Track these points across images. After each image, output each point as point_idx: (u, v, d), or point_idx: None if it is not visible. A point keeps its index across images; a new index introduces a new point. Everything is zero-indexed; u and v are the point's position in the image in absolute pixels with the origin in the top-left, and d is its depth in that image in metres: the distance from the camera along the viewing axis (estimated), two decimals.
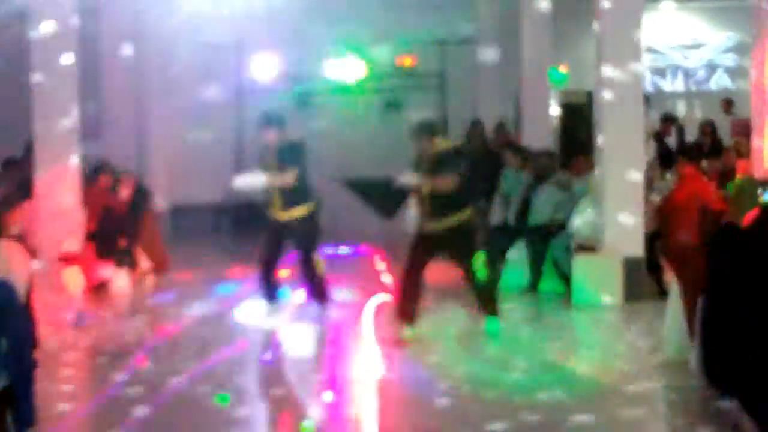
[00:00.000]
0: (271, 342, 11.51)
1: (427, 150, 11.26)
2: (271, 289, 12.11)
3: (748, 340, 7.41)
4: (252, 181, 12.01)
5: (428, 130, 11.47)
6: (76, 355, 11.09)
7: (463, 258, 11.14)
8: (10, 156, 17.27)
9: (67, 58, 13.27)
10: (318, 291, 12.05)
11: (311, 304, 12.12)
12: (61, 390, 9.29)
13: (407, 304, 11.16)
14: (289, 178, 11.78)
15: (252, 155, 22.34)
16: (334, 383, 9.57)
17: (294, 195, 11.89)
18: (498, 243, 14.19)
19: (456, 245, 11.16)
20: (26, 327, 6.93)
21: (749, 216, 8.19)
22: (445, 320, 12.25)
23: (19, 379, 6.65)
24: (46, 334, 10.95)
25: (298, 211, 11.91)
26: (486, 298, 11.27)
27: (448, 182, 11.02)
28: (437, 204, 11.08)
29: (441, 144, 11.43)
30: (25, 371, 6.72)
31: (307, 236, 12.01)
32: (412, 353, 10.66)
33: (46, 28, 13.23)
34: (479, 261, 11.10)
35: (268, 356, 10.92)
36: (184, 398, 8.99)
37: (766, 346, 7.33)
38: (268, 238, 12.03)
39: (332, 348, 11.08)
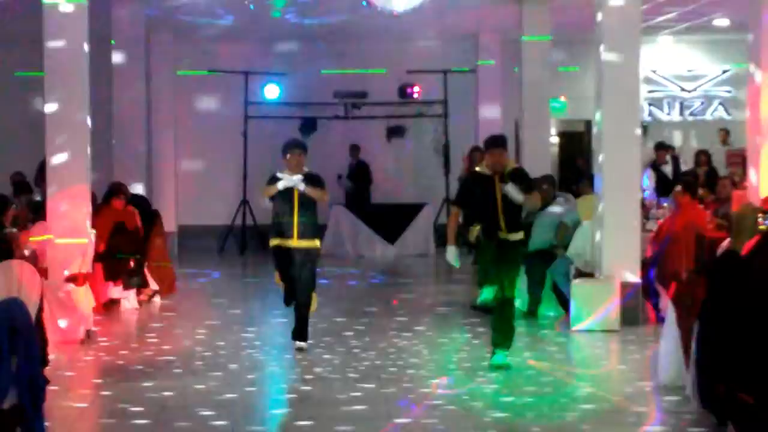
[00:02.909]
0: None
1: (503, 164, 11.09)
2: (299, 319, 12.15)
3: (744, 366, 7.54)
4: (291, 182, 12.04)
5: (503, 144, 11.27)
6: (86, 373, 11.27)
7: (513, 274, 11.05)
8: (21, 177, 17.54)
9: (80, 82, 13.45)
10: (303, 327, 12.09)
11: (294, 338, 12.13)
12: (70, 408, 9.40)
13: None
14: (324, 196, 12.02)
15: (256, 177, 22.77)
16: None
17: (311, 226, 12.07)
18: None
19: (515, 259, 11.12)
20: (37, 345, 7.04)
21: (749, 244, 8.33)
22: (445, 343, 12.47)
23: (29, 397, 6.75)
24: (57, 352, 11.17)
25: (313, 243, 12.07)
26: (507, 326, 11.06)
27: (536, 198, 11.22)
28: (509, 217, 10.97)
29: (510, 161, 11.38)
30: (36, 389, 6.81)
31: (313, 270, 12.14)
32: (408, 372, 10.85)
33: (58, 52, 13.40)
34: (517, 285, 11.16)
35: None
36: (189, 417, 9.13)
37: (761, 373, 7.46)
38: (284, 261, 12.07)
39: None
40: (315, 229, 12.13)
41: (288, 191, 11.94)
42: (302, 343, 12.01)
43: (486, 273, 10.92)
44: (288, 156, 12.03)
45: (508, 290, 10.93)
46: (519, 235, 11.05)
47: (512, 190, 10.80)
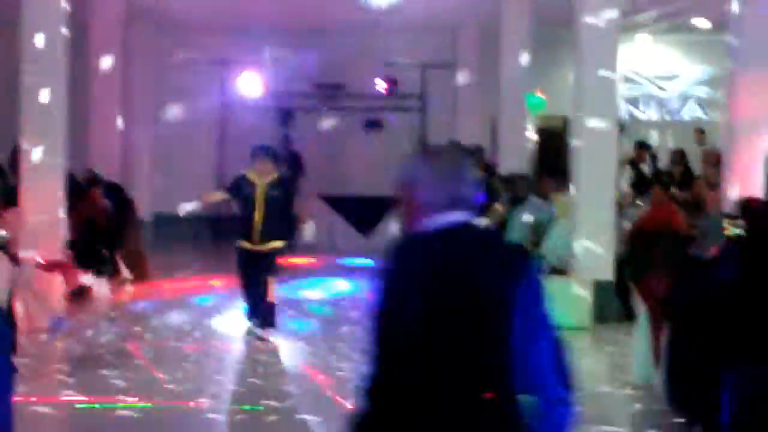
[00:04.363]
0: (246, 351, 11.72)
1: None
2: (258, 309, 12.22)
3: (710, 367, 7.58)
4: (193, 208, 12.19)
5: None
6: (54, 361, 11.26)
7: None
8: None
9: (57, 69, 13.41)
10: (266, 313, 12.09)
11: (253, 323, 12.12)
12: (38, 395, 9.39)
13: None
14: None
15: (233, 168, 22.71)
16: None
17: (274, 228, 12.08)
18: None
19: None
20: (7, 333, 7.04)
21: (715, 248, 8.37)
22: None
23: None
24: (26, 339, 11.13)
25: (275, 244, 12.08)
26: None
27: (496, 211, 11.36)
28: None
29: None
30: (4, 377, 6.83)
31: (273, 265, 12.12)
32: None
33: (36, 39, 13.36)
34: None
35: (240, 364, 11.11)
36: (165, 403, 9.14)
37: (726, 374, 7.51)
38: (243, 267, 12.13)
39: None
40: (280, 231, 12.12)
41: (250, 193, 12.01)
42: (261, 331, 12.01)
43: None
44: (255, 161, 12.13)
45: None
46: None
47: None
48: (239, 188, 12.08)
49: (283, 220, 12.14)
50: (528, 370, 3.64)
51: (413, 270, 3.77)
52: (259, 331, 11.98)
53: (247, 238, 11.95)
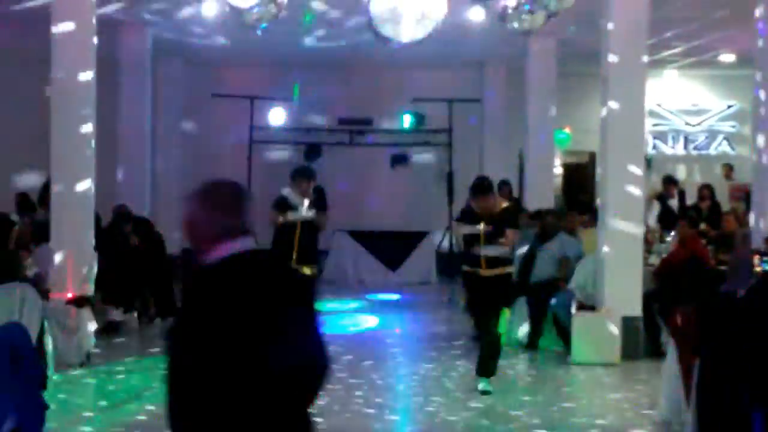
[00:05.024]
0: None
1: (490, 207, 11.45)
2: None
3: (741, 404, 7.56)
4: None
5: (488, 190, 11.55)
6: (85, 396, 11.28)
7: (498, 307, 11.30)
8: (25, 197, 17.55)
9: (87, 105, 13.52)
10: None
11: None
12: (70, 431, 9.41)
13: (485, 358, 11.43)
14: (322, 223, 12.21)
15: (260, 202, 22.78)
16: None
17: (309, 252, 12.15)
18: None
19: (499, 293, 11.37)
20: (38, 369, 7.07)
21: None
22: (445, 371, 12.49)
23: (28, 421, 6.80)
24: (57, 375, 11.18)
25: (307, 270, 12.07)
26: (492, 356, 11.40)
27: (511, 237, 11.41)
28: (490, 253, 11.34)
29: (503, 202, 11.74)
30: (35, 413, 6.86)
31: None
32: (410, 403, 10.88)
33: (66, 74, 13.47)
34: (503, 317, 11.33)
35: None
36: None
37: (757, 411, 7.49)
38: None
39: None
40: (314, 255, 12.21)
41: (290, 207, 12.22)
42: None
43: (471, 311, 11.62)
44: (295, 182, 12.26)
45: (492, 327, 11.21)
46: (499, 271, 11.28)
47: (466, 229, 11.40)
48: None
49: (316, 242, 12.35)
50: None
51: (206, 297, 4.06)
52: None
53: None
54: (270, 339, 3.96)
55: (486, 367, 11.39)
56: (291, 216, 12.19)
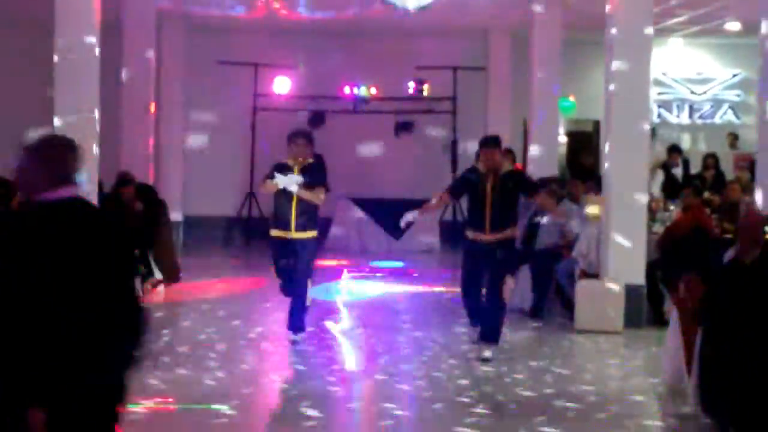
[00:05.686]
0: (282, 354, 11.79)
1: (496, 162, 11.49)
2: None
3: (746, 373, 7.57)
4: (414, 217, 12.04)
5: (495, 143, 11.60)
6: None
7: (502, 272, 11.42)
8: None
9: (90, 72, 13.49)
10: (297, 318, 12.10)
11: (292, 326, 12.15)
12: None
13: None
14: (319, 196, 11.91)
15: (264, 170, 22.78)
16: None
17: (310, 219, 12.04)
18: None
19: (502, 258, 11.44)
20: None
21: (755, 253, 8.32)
22: (448, 338, 12.51)
23: None
24: None
25: (309, 234, 12.03)
26: (497, 321, 11.47)
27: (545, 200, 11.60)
28: (497, 217, 11.39)
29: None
30: None
31: (309, 260, 12.07)
32: (410, 367, 10.91)
33: (68, 42, 13.44)
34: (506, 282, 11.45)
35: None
36: (188, 406, 9.20)
37: (762, 378, 7.49)
38: (281, 252, 12.07)
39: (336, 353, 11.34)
40: (314, 221, 12.10)
41: (287, 171, 11.93)
42: (295, 336, 12.07)
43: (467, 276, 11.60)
44: (291, 145, 12.02)
45: (498, 293, 11.30)
46: (503, 235, 11.30)
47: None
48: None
49: (316, 209, 12.11)
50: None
51: (25, 238, 4.48)
52: (291, 336, 12.04)
53: (283, 228, 11.96)
54: (76, 281, 4.40)
55: (491, 333, 11.41)
56: (272, 183, 11.80)
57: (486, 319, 11.50)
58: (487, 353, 11.31)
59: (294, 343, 11.95)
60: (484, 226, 11.39)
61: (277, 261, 12.11)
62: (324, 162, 22.45)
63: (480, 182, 11.47)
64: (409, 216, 11.60)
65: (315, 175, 12.01)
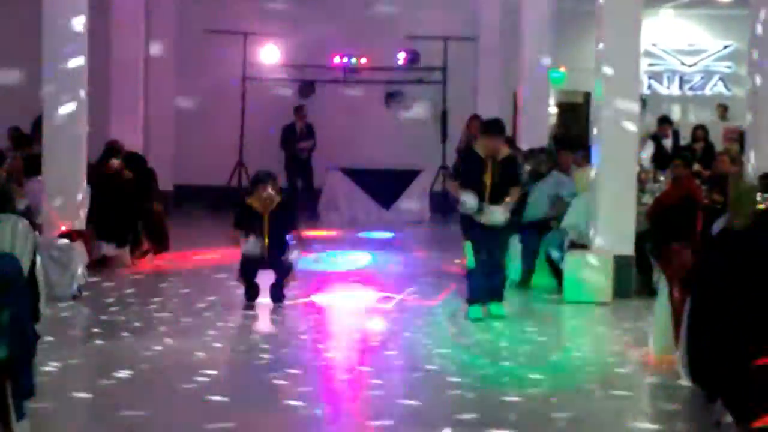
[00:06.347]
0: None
1: (498, 150, 11.79)
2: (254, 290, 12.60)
3: (734, 342, 7.57)
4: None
5: (502, 131, 11.98)
6: (76, 329, 11.34)
7: (504, 242, 12.02)
8: (19, 131, 17.49)
9: (78, 38, 13.43)
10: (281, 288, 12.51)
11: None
12: (60, 363, 9.44)
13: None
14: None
15: (253, 139, 22.76)
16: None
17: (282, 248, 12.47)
18: None
19: (502, 238, 12.02)
20: (28, 300, 7.07)
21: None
22: (436, 307, 12.52)
23: (19, 352, 6.79)
24: (48, 308, 11.18)
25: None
26: (502, 285, 12.06)
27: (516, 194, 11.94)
28: (495, 198, 11.73)
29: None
30: (26, 343, 6.86)
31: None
32: (401, 339, 10.92)
33: (56, 7, 13.37)
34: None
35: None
36: (180, 373, 9.20)
37: (751, 347, 7.50)
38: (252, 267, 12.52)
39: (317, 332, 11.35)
40: (284, 249, 12.46)
41: (256, 217, 12.38)
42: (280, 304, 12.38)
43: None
44: (259, 190, 12.40)
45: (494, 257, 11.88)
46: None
47: (497, 215, 11.66)
48: None
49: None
50: None
51: None
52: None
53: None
54: None
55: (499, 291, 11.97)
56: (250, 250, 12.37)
57: (495, 279, 11.91)
58: (496, 310, 11.89)
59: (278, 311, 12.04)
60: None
61: (245, 274, 12.48)
62: (314, 131, 22.41)
63: (480, 166, 11.70)
64: (470, 200, 11.60)
65: (288, 220, 12.58)
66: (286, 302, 12.42)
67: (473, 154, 11.90)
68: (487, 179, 11.63)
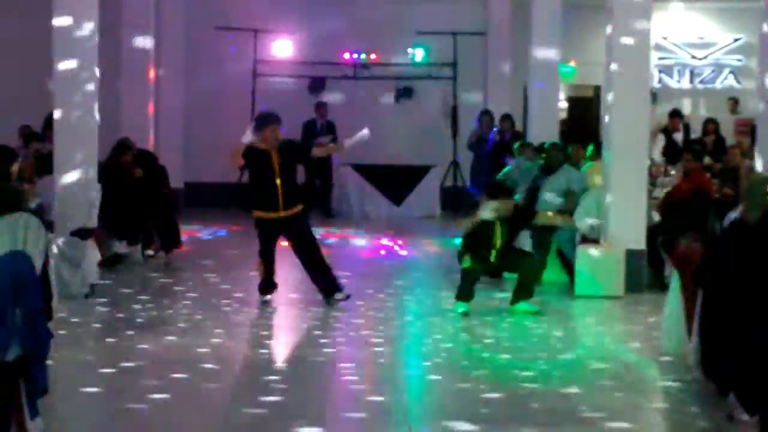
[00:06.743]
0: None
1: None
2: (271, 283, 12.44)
3: (746, 335, 7.57)
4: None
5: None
6: (89, 327, 11.35)
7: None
8: (30, 129, 17.52)
9: (89, 37, 13.45)
10: (332, 279, 12.33)
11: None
12: (73, 361, 9.47)
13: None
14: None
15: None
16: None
17: (294, 191, 12.22)
18: None
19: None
20: (41, 298, 7.07)
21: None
22: (447, 305, 12.52)
23: (33, 350, 6.81)
24: (61, 306, 11.22)
25: (298, 209, 12.19)
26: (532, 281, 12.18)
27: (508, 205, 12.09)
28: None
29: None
30: (39, 342, 6.87)
31: (309, 231, 12.40)
32: (410, 333, 10.92)
33: (67, 9, 13.40)
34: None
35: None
36: (193, 370, 9.21)
37: (764, 342, 7.49)
38: (270, 234, 12.27)
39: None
40: (298, 194, 12.25)
41: (264, 156, 12.03)
42: (340, 294, 12.25)
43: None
44: (265, 131, 12.12)
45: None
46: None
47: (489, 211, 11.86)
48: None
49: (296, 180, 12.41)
50: None
51: None
52: (337, 295, 12.23)
53: (269, 208, 12.09)
54: None
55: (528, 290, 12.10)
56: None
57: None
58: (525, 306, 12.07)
59: (339, 301, 12.15)
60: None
61: (264, 245, 12.22)
62: (335, 129, 22.32)
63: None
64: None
65: (296, 149, 12.59)
66: (285, 301, 12.37)
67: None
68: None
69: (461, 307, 11.89)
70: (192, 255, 15.99)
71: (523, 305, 11.97)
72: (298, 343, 10.65)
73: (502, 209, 11.87)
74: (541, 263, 13.89)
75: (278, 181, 11.97)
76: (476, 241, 11.93)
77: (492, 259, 11.97)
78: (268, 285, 12.37)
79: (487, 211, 11.82)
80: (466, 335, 10.97)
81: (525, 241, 14.13)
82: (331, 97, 23.20)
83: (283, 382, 8.94)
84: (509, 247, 12.13)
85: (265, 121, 12.26)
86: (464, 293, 11.94)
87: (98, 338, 10.76)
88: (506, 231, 11.95)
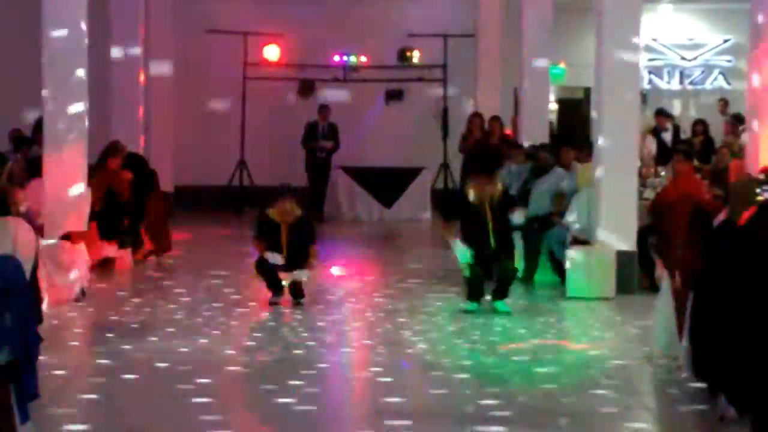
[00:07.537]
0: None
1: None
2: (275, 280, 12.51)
3: (737, 336, 7.58)
4: None
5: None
6: (79, 331, 11.32)
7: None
8: (20, 133, 17.52)
9: (79, 41, 13.45)
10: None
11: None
12: (63, 365, 9.42)
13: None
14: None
15: (254, 139, 22.75)
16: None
17: (301, 252, 12.52)
18: None
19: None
20: (31, 303, 7.05)
21: (746, 214, 8.33)
22: (439, 307, 12.51)
23: (23, 354, 6.77)
24: (51, 310, 11.21)
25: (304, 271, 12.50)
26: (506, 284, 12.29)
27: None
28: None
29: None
30: (29, 346, 6.85)
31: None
32: (404, 338, 10.91)
33: (55, 8, 13.39)
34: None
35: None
36: (184, 374, 9.20)
37: (755, 342, 7.50)
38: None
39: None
40: (305, 253, 12.52)
41: (274, 229, 12.40)
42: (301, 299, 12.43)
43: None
44: (279, 201, 12.47)
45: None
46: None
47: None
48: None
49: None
50: None
51: None
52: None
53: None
54: None
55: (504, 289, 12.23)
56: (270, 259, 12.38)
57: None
58: (501, 306, 12.15)
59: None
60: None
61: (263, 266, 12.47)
62: (337, 132, 22.25)
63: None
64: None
65: (306, 232, 12.61)
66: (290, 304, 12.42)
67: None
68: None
69: (471, 306, 12.06)
70: (182, 258, 15.96)
71: (499, 304, 12.11)
72: (292, 345, 10.62)
73: (487, 191, 12.02)
74: (532, 266, 13.95)
75: (285, 253, 12.38)
76: (470, 230, 12.09)
77: (492, 243, 12.02)
78: (274, 284, 12.46)
79: (472, 194, 12.01)
80: (456, 335, 10.99)
81: (516, 243, 14.14)
82: (321, 100, 23.18)
83: (277, 385, 8.94)
84: (506, 228, 12.32)
85: (277, 193, 12.64)
86: (474, 292, 12.13)
87: (89, 342, 10.74)
88: (497, 212, 12.06)
